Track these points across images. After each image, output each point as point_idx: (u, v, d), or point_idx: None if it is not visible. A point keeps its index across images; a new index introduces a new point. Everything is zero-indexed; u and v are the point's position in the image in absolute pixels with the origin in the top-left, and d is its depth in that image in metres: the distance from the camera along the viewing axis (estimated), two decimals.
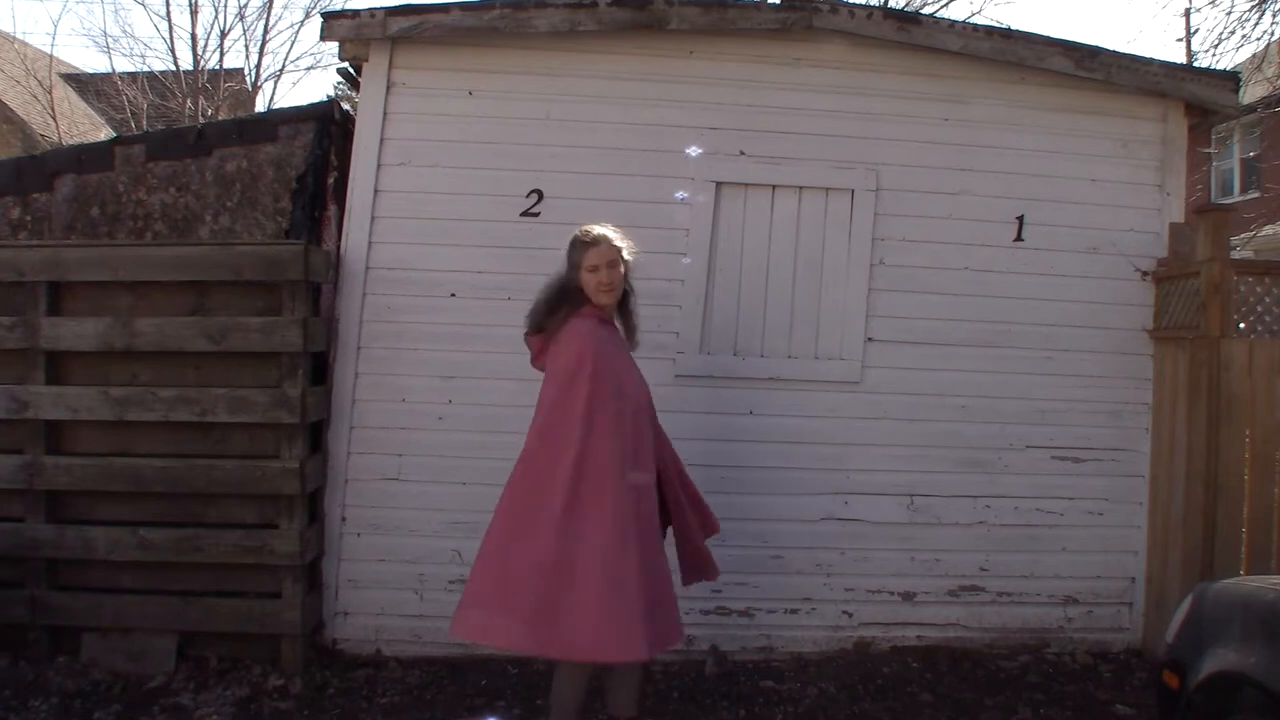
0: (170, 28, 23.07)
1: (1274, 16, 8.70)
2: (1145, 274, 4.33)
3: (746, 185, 4.21)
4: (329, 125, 4.21)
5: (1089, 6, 50.15)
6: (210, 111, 15.42)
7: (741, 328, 4.20)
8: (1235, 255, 6.57)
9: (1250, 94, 9.77)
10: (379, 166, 4.11)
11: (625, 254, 3.07)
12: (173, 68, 16.47)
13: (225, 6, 27.82)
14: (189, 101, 15.51)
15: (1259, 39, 9.29)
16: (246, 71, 17.18)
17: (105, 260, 3.84)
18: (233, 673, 3.83)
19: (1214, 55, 9.48)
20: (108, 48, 37.82)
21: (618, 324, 3.15)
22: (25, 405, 3.82)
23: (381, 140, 4.11)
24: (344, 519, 4.08)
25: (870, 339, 4.22)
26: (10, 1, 33.08)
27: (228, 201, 4.19)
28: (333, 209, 4.22)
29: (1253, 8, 8.73)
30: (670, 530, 3.20)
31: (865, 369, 4.21)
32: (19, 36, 18.28)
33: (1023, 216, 4.28)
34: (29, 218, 4.18)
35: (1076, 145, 4.32)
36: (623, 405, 2.92)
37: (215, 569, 3.84)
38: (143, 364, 3.89)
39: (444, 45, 4.13)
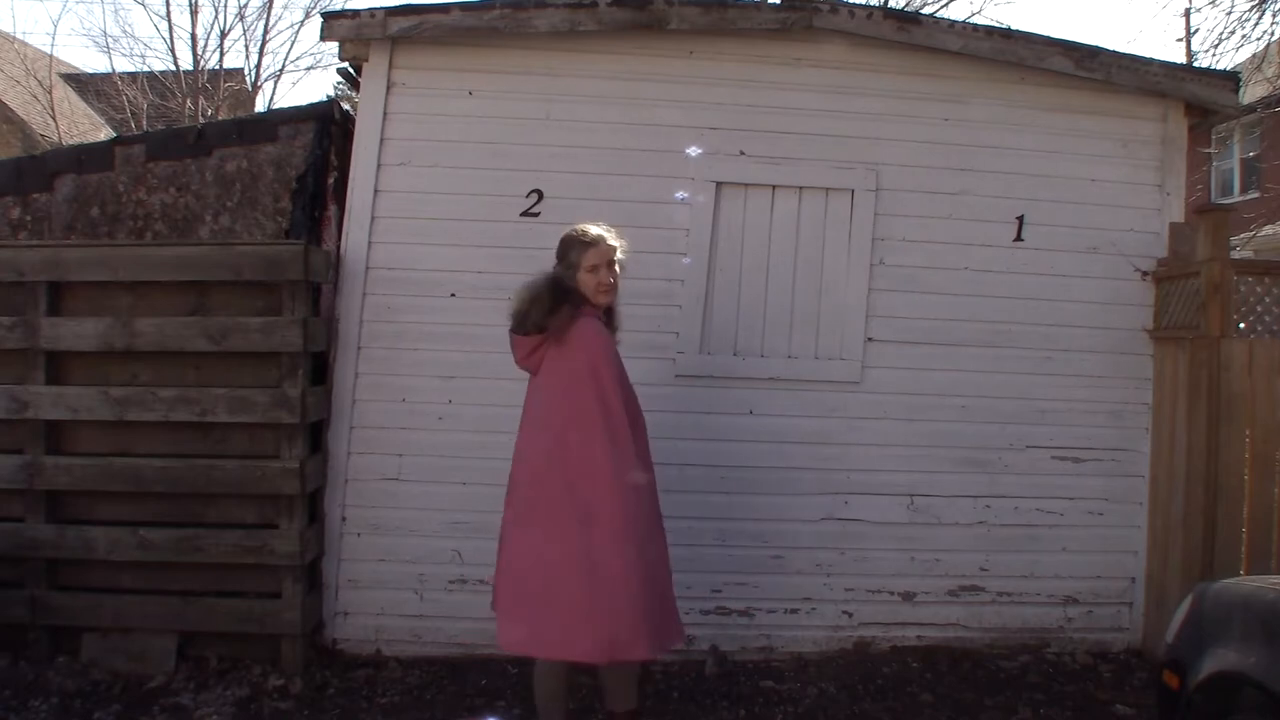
0: (170, 28, 23.06)
1: (1274, 16, 8.70)
2: (1145, 274, 4.33)
3: (746, 185, 4.21)
4: (329, 125, 4.21)
5: (1089, 6, 50.18)
6: (210, 111, 15.42)
7: (741, 328, 4.20)
8: (1235, 255, 6.57)
9: (1250, 94, 9.77)
10: (379, 166, 4.11)
11: (620, 253, 3.05)
12: (173, 68, 16.49)
13: (225, 6, 27.83)
14: (189, 101, 15.52)
15: (1259, 39, 9.29)
16: (246, 71, 17.20)
17: (105, 260, 3.84)
18: (233, 673, 3.83)
19: (1214, 55, 9.48)
20: (108, 48, 37.84)
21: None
22: (25, 405, 3.82)
23: (381, 140, 4.11)
24: (344, 519, 4.08)
25: (870, 339, 4.22)
26: (10, 1, 33.11)
27: (228, 201, 4.19)
28: (333, 209, 4.22)
29: (1253, 8, 8.74)
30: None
31: (865, 369, 4.21)
32: (19, 36, 18.31)
33: (1023, 216, 4.28)
34: (29, 218, 4.18)
35: (1076, 145, 4.32)
36: (631, 411, 2.95)
37: (215, 569, 3.84)
38: (143, 364, 3.89)
39: (444, 45, 4.13)
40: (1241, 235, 11.38)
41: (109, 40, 34.29)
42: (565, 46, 4.15)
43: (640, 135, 4.18)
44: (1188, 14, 18.00)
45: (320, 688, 3.76)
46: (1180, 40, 22.04)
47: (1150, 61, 4.24)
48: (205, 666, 3.86)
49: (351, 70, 4.27)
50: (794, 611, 4.20)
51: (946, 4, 17.31)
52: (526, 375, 3.09)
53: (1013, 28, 4.79)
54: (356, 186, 4.11)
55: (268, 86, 20.44)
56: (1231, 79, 4.34)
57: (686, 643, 4.05)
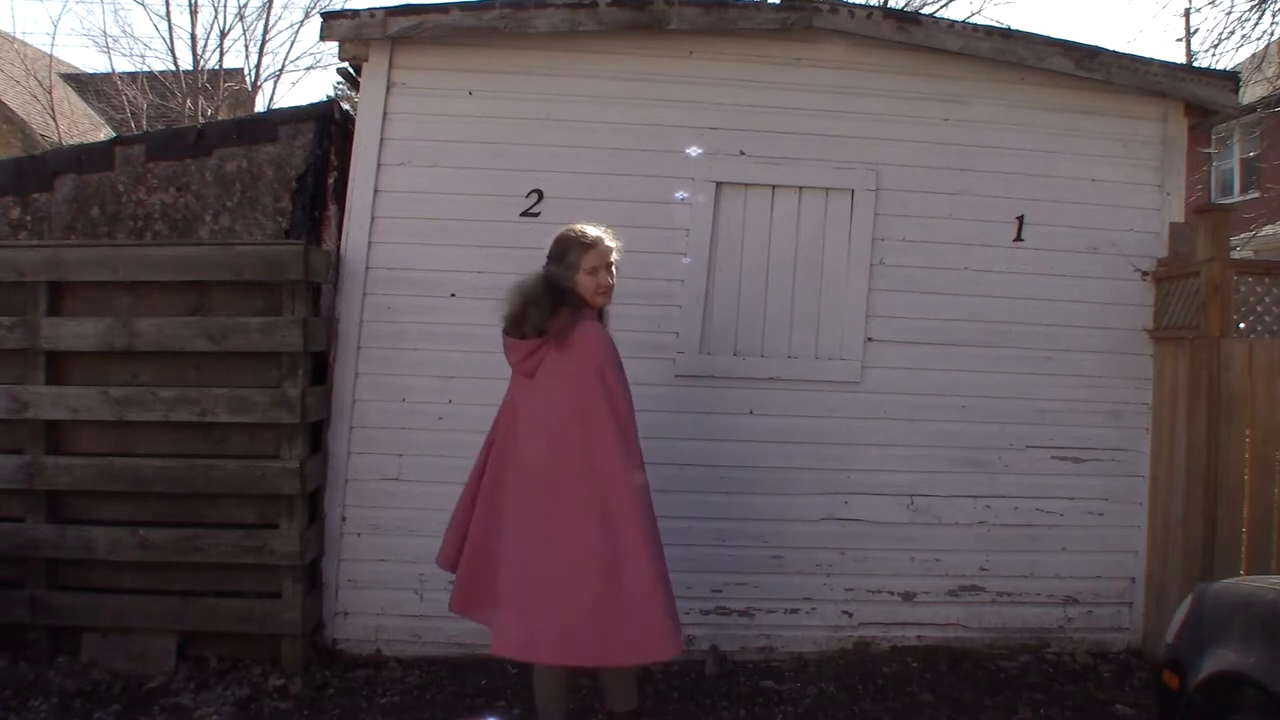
0: (170, 28, 23.06)
1: (1274, 16, 8.70)
2: (1145, 274, 4.33)
3: (746, 185, 4.21)
4: (329, 125, 4.21)
5: (1089, 6, 50.18)
6: (210, 111, 15.42)
7: (741, 328, 4.20)
8: (1235, 255, 6.57)
9: (1250, 94, 9.77)
10: (379, 166, 4.11)
11: (615, 254, 3.04)
12: (173, 68, 16.49)
13: (225, 6, 27.83)
14: (189, 101, 15.52)
15: (1259, 39, 9.29)
16: (246, 71, 17.20)
17: (105, 260, 3.84)
18: (233, 673, 3.83)
19: (1214, 55, 9.48)
20: (107, 48, 37.85)
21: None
22: (25, 405, 3.82)
23: (381, 140, 4.11)
24: (344, 519, 4.08)
25: (870, 339, 4.22)
26: (10, 1, 33.10)
27: (228, 201, 4.19)
28: (333, 209, 4.22)
29: (1253, 8, 8.74)
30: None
31: (865, 369, 4.22)
32: (19, 36, 18.30)
33: (1022, 216, 4.28)
34: (29, 218, 4.18)
35: (1076, 145, 4.32)
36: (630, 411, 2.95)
37: (215, 569, 3.84)
38: (143, 364, 3.89)
39: (444, 45, 4.13)
40: (1241, 235, 11.38)
41: (109, 40, 34.35)
42: (565, 46, 4.15)
43: (640, 135, 4.18)
44: (1187, 14, 18.01)
45: (320, 688, 3.76)
46: (1180, 40, 22.04)
47: (1150, 61, 4.24)
48: (205, 666, 3.86)
49: (351, 70, 4.27)
50: (794, 611, 4.20)
51: (946, 4, 17.32)
52: None
53: (1013, 28, 4.80)
54: (356, 186, 4.11)
55: (268, 86, 20.46)
56: (1231, 79, 4.34)
57: (686, 642, 4.07)
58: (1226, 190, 16.10)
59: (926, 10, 12.32)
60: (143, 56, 35.02)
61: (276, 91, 44.75)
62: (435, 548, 4.02)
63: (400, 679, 3.87)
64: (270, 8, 22.41)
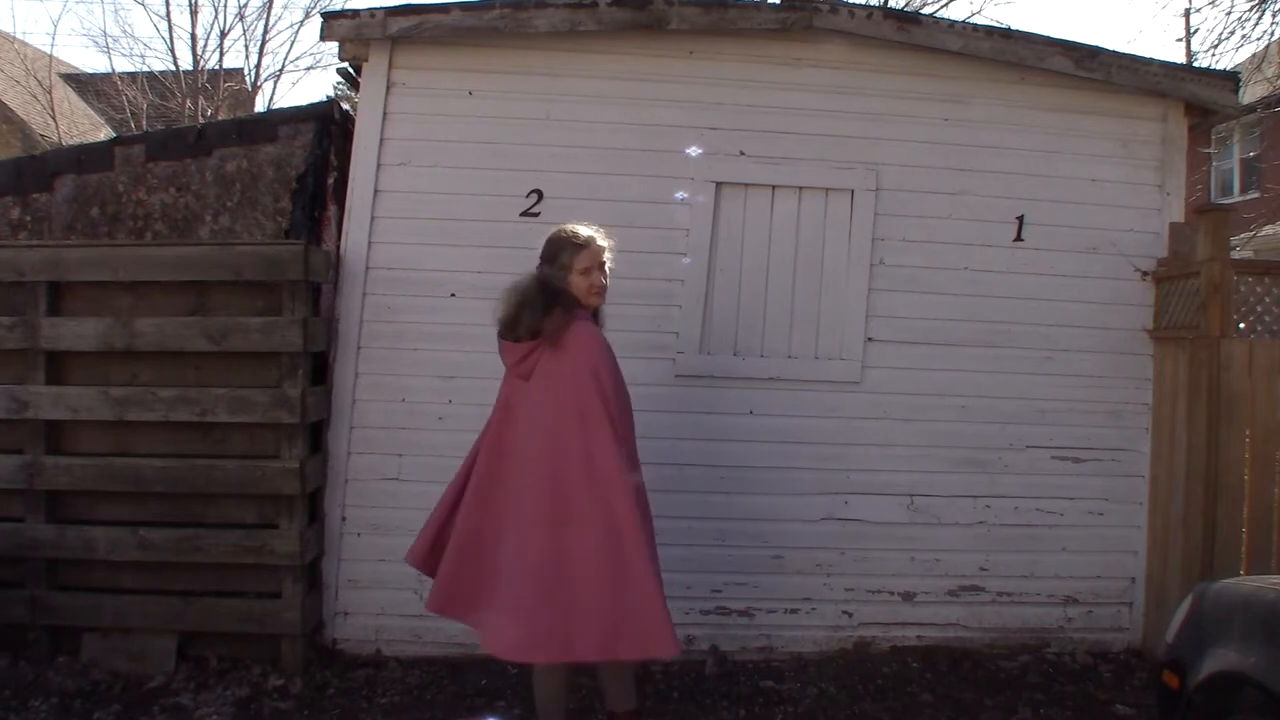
0: (170, 28, 23.06)
1: (1274, 16, 8.70)
2: (1145, 274, 4.33)
3: (746, 185, 4.21)
4: (329, 125, 4.21)
5: (1089, 6, 50.18)
6: (210, 111, 15.42)
7: (741, 328, 4.20)
8: (1235, 255, 6.57)
9: (1250, 94, 9.78)
10: (379, 166, 4.11)
11: (609, 253, 3.03)
12: (173, 68, 16.48)
13: (225, 6, 27.81)
14: (189, 101, 15.52)
15: (1259, 39, 9.30)
16: (246, 71, 17.19)
17: (105, 260, 3.84)
18: (233, 673, 3.83)
19: (1214, 55, 9.50)
20: (107, 48, 37.85)
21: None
22: (25, 405, 3.82)
23: (381, 140, 4.11)
24: (344, 519, 4.08)
25: (870, 339, 4.22)
26: (10, 1, 33.11)
27: (228, 201, 4.19)
28: (333, 209, 4.22)
29: (1253, 8, 8.73)
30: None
31: (865, 369, 4.22)
32: (19, 36, 18.30)
33: (1022, 216, 4.28)
34: (29, 218, 4.18)
35: (1076, 145, 4.32)
36: (625, 410, 2.95)
37: (215, 569, 3.84)
38: (143, 364, 3.89)
39: (444, 45, 4.13)
40: (1241, 235, 11.38)
41: (109, 40, 34.35)
42: (565, 46, 4.15)
43: (640, 135, 4.18)
44: (1187, 14, 17.99)
45: (320, 688, 3.76)
46: (1180, 40, 22.04)
47: (1150, 61, 4.24)
48: (205, 666, 3.86)
49: (351, 70, 4.27)
50: (794, 611, 4.20)
51: (946, 4, 17.32)
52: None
53: (1013, 28, 4.80)
54: (356, 186, 4.11)
55: (268, 86, 20.46)
56: (1231, 79, 4.34)
57: (686, 642, 4.07)
58: (1226, 190, 16.10)
59: (926, 10, 12.32)
60: (143, 56, 35.06)
61: (276, 91, 44.81)
62: None
63: (400, 679, 3.87)
64: (270, 8, 22.48)
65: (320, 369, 4.04)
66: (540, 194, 4.13)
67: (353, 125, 4.19)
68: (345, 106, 4.59)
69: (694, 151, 4.19)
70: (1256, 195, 14.24)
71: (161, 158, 4.18)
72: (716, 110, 4.21)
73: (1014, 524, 4.27)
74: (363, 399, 4.09)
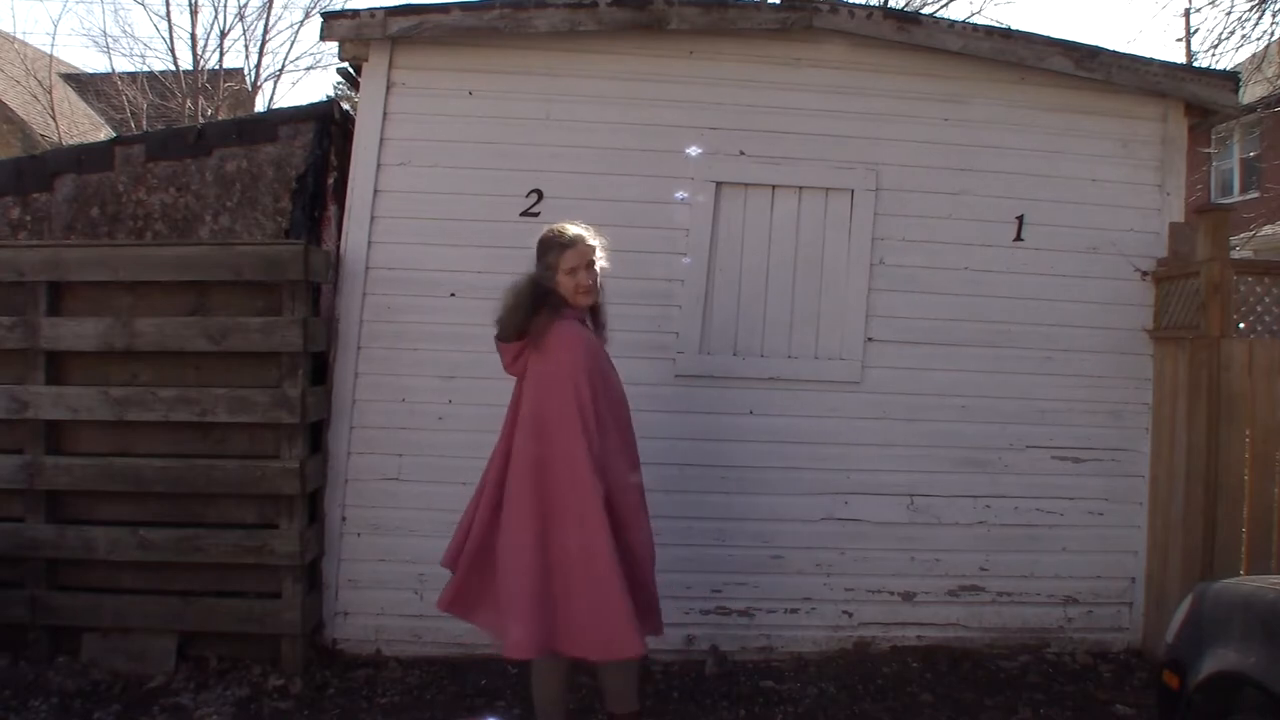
0: (170, 28, 23.08)
1: (1274, 16, 8.70)
2: (1145, 274, 4.33)
3: (746, 185, 4.21)
4: (329, 125, 4.21)
5: (1089, 6, 50.18)
6: (210, 111, 15.42)
7: (741, 328, 4.20)
8: (1235, 255, 6.57)
9: (1250, 94, 9.77)
10: (379, 166, 4.11)
11: (599, 252, 3.02)
12: (173, 68, 16.49)
13: (225, 6, 27.80)
14: (189, 101, 15.52)
15: (1259, 39, 9.29)
16: (246, 71, 17.20)
17: (105, 260, 3.84)
18: (233, 673, 3.83)
19: (1214, 55, 9.48)
20: (108, 48, 37.79)
21: (588, 322, 3.11)
22: (25, 405, 3.82)
23: (381, 140, 4.11)
24: (344, 519, 4.08)
25: (870, 339, 4.22)
26: (10, 1, 33.11)
27: (228, 201, 4.19)
28: (333, 209, 4.22)
29: (1253, 8, 8.73)
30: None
31: (865, 369, 4.21)
32: (19, 36, 18.30)
33: (1023, 216, 4.28)
34: (29, 218, 4.18)
35: (1076, 145, 4.32)
36: (613, 408, 2.94)
37: (215, 569, 3.84)
38: (143, 364, 3.89)
39: (444, 45, 4.13)
40: (1241, 235, 11.38)
41: (109, 40, 34.33)
42: (565, 46, 4.15)
43: (640, 135, 4.18)
44: (1187, 14, 17.92)
45: (320, 688, 3.76)
46: (1180, 40, 22.01)
47: (1150, 61, 4.24)
48: (205, 666, 3.86)
49: (351, 70, 4.27)
50: (794, 611, 4.20)
51: (946, 4, 17.31)
52: None
53: (1013, 28, 4.81)
54: (356, 186, 4.11)
55: (268, 86, 20.45)
56: (1231, 79, 4.34)
57: (686, 642, 4.07)
58: (1226, 190, 16.10)
59: (926, 10, 12.32)
60: (143, 56, 35.01)
61: (276, 91, 44.72)
62: (435, 548, 4.01)
63: (400, 679, 3.87)
64: (270, 8, 22.43)
65: (320, 369, 4.04)
66: (540, 194, 4.13)
67: (353, 125, 4.19)
68: (345, 106, 4.59)
69: (694, 151, 4.18)
70: (1256, 195, 14.24)
71: (161, 158, 4.19)
72: (716, 110, 4.20)
73: (1014, 524, 4.27)
74: (363, 399, 4.09)
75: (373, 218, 4.10)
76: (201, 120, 13.60)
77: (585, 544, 2.80)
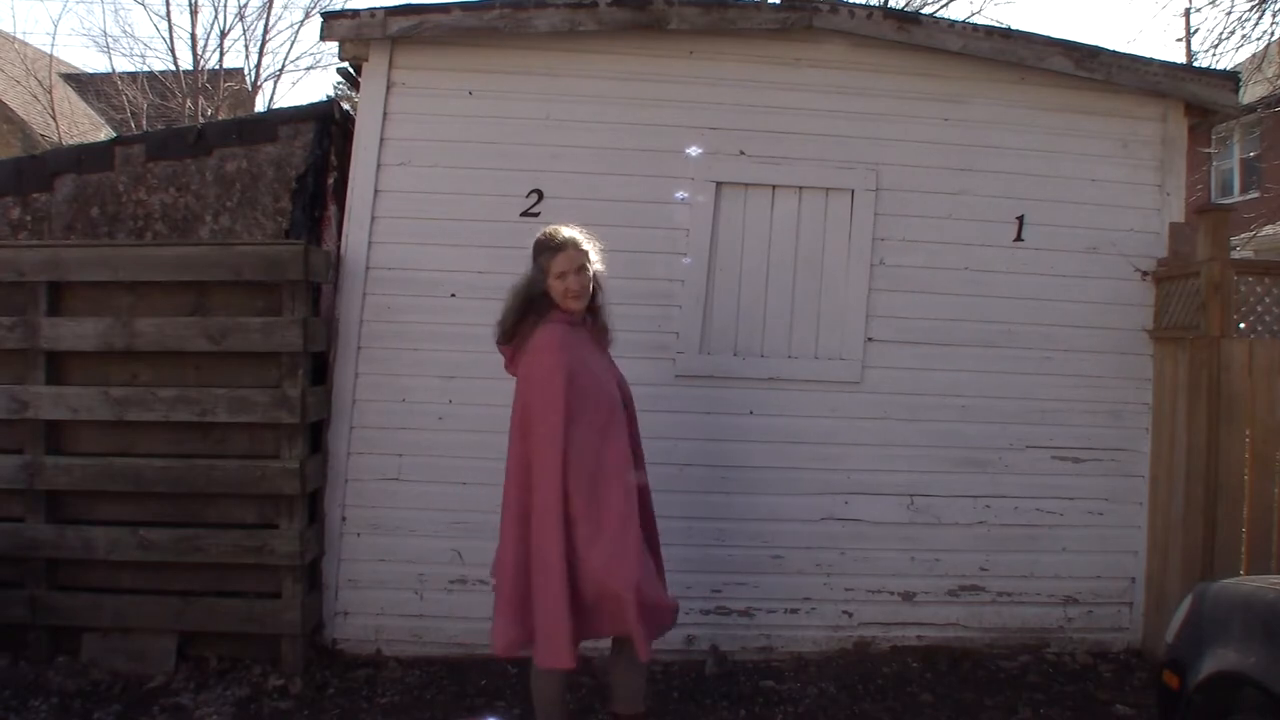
0: (170, 28, 23.04)
1: (1274, 16, 8.70)
2: (1145, 274, 4.33)
3: (746, 185, 4.21)
4: (329, 125, 4.21)
5: (1089, 6, 50.18)
6: (210, 111, 15.41)
7: (741, 328, 4.20)
8: (1235, 255, 6.57)
9: (1250, 94, 9.77)
10: (379, 166, 4.11)
11: (593, 255, 3.00)
12: (173, 68, 16.48)
13: (225, 6, 27.83)
14: (189, 101, 15.51)
15: (1259, 39, 9.29)
16: (246, 71, 17.19)
17: (105, 260, 3.84)
18: (233, 673, 3.83)
19: (1214, 55, 9.50)
20: (108, 48, 37.74)
21: (589, 324, 3.08)
22: (25, 405, 3.82)
23: (381, 140, 4.11)
24: (344, 519, 4.08)
25: (870, 339, 4.22)
26: (10, 1, 33.11)
27: (228, 201, 4.19)
28: (333, 209, 4.22)
29: (1253, 8, 8.74)
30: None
31: (865, 369, 4.21)
32: (19, 36, 18.31)
33: (1023, 216, 4.28)
34: (29, 218, 4.18)
35: (1076, 145, 4.32)
36: (599, 411, 2.89)
37: (215, 569, 3.84)
38: (143, 364, 3.89)
39: (444, 45, 4.13)
40: (1241, 235, 11.38)
41: (109, 40, 34.28)
42: (565, 46, 4.15)
43: (640, 135, 4.18)
44: (1188, 14, 17.98)
45: (320, 688, 3.76)
46: (1180, 40, 22.01)
47: (1150, 61, 4.24)
48: (205, 666, 3.86)
49: (351, 70, 4.27)
50: (794, 611, 4.20)
51: (946, 4, 17.32)
52: None
53: (1013, 28, 4.80)
54: (356, 186, 4.11)
55: (268, 86, 20.47)
56: (1231, 79, 4.34)
57: (686, 642, 4.07)
58: (1226, 190, 16.10)
59: (926, 10, 12.32)
60: (143, 56, 34.98)
61: (276, 91, 44.78)
62: (435, 547, 4.06)
63: (400, 679, 3.87)
64: (270, 8, 22.43)
65: (320, 369, 4.04)
66: (540, 194, 4.13)
67: (353, 125, 4.19)
68: (345, 106, 4.59)
69: (694, 151, 4.18)
70: (1256, 195, 14.24)
71: (161, 158, 4.18)
72: (716, 110, 4.20)
73: (1014, 524, 4.27)
74: (363, 399, 4.09)
75: (373, 218, 4.10)
76: (201, 120, 13.60)
77: (539, 544, 2.81)
